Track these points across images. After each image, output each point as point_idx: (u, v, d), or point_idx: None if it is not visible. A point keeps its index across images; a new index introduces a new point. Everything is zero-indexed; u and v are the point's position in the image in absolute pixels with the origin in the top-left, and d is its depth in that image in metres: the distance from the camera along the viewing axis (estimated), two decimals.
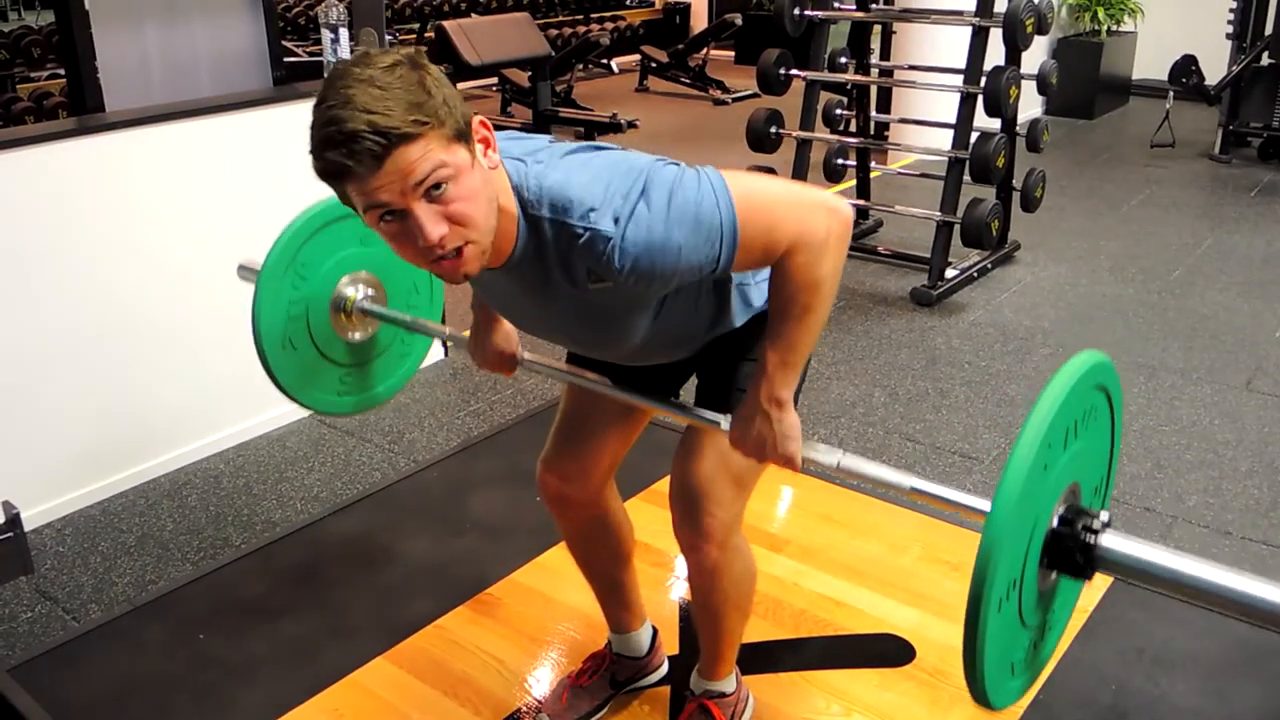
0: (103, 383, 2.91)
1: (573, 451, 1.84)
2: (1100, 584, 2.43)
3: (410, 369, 2.32)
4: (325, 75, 3.20)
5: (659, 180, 1.34)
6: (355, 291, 2.15)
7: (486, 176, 1.30)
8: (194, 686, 2.20)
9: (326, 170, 1.22)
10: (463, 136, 1.26)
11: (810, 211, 1.38)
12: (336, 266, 2.12)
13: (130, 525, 2.87)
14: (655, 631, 2.13)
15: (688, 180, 1.35)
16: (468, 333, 1.94)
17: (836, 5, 4.80)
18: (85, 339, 2.85)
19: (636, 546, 2.03)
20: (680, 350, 1.67)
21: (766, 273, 1.48)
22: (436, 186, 1.23)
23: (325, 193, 1.31)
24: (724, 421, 1.55)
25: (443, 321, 2.41)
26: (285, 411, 3.39)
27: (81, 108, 2.91)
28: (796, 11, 4.55)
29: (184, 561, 2.72)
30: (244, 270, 2.19)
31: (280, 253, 2.02)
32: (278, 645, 2.29)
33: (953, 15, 4.63)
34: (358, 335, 2.20)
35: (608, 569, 1.99)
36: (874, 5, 4.94)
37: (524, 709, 2.10)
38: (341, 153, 1.18)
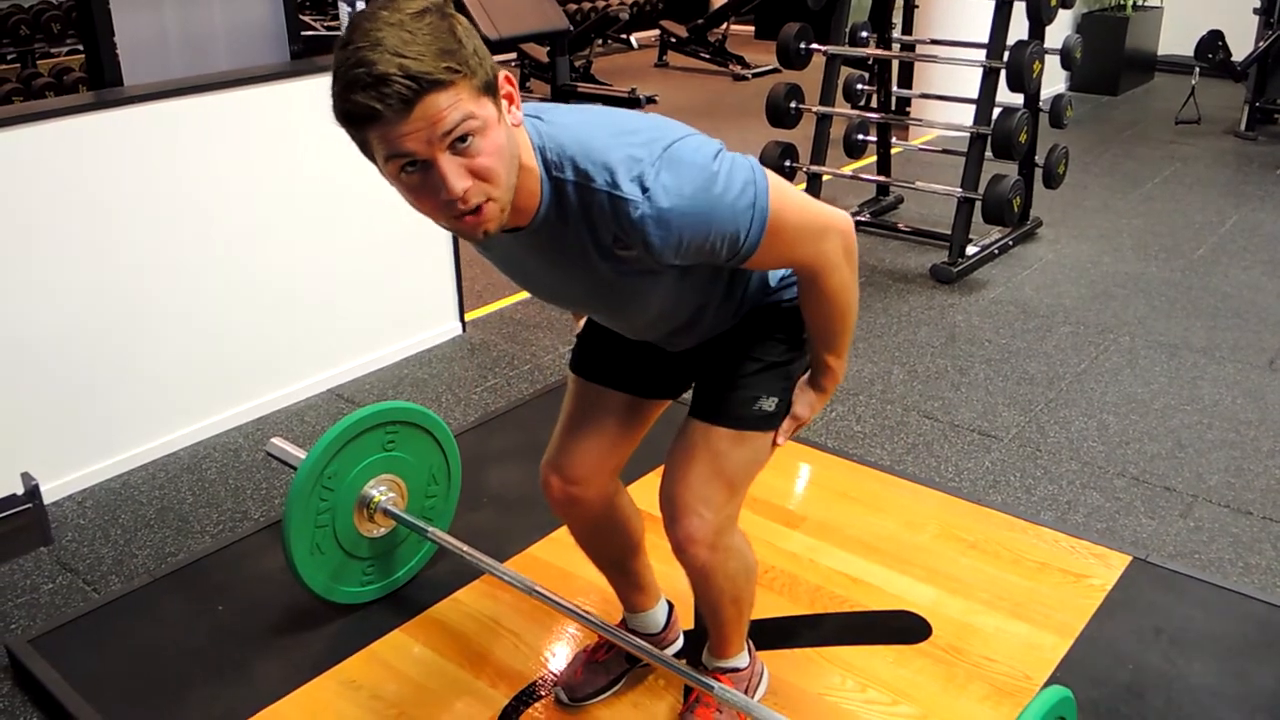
0: (120, 356, 2.93)
1: (577, 452, 1.81)
2: (1118, 563, 2.42)
3: (431, 549, 2.42)
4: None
5: (697, 151, 1.33)
6: (378, 493, 2.25)
7: (510, 133, 1.27)
8: (212, 657, 2.21)
9: (350, 114, 1.18)
10: (490, 90, 1.23)
11: (828, 229, 1.46)
12: (360, 474, 2.22)
13: (150, 498, 2.89)
14: (671, 607, 2.12)
15: (727, 159, 1.35)
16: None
17: None
18: (103, 312, 2.86)
19: (650, 520, 2.02)
20: (696, 328, 1.65)
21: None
22: (463, 139, 1.20)
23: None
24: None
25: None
26: (304, 385, 3.41)
27: (100, 82, 2.90)
28: None
29: (203, 534, 2.74)
30: (273, 448, 2.37)
31: (308, 472, 2.11)
32: (295, 617, 2.31)
33: None
34: (380, 531, 2.31)
35: (618, 559, 1.99)
36: None
37: (540, 682, 2.11)
38: (370, 95, 1.14)
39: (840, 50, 4.71)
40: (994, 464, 2.97)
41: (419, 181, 1.22)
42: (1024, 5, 4.09)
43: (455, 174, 1.20)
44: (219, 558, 2.56)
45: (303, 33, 3.36)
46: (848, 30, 4.85)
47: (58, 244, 2.73)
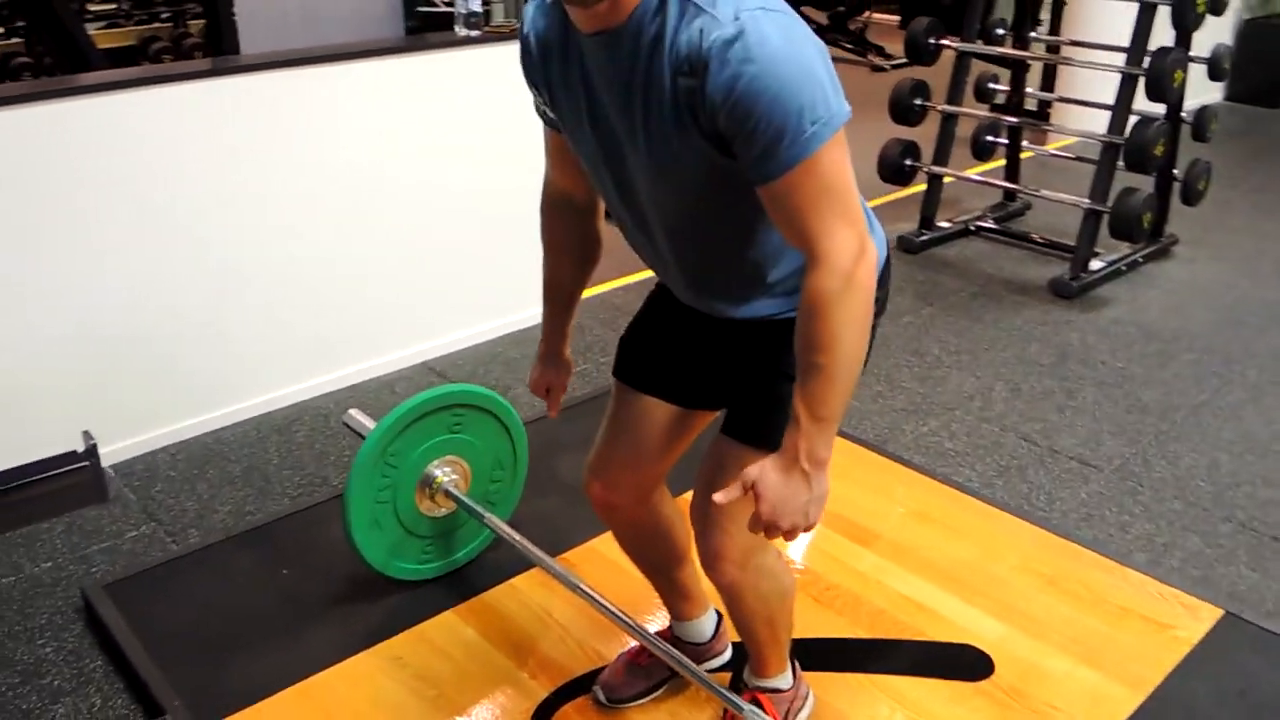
0: (229, 315, 3.02)
1: (616, 458, 1.78)
2: (1208, 616, 2.26)
3: (489, 534, 2.41)
4: (455, 26, 3.22)
5: (809, 45, 1.26)
6: (441, 474, 2.27)
7: None
8: (269, 620, 2.27)
9: None
10: None
11: (856, 222, 1.30)
12: (424, 454, 2.24)
13: (239, 455, 2.98)
14: (720, 617, 2.08)
15: (830, 79, 1.27)
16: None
17: None
18: (211, 273, 2.95)
19: None
20: (715, 276, 1.57)
21: None
22: None
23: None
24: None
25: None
26: (398, 356, 3.46)
27: (219, 50, 2.98)
28: None
29: (282, 496, 2.80)
30: (350, 419, 2.41)
31: (370, 449, 2.14)
32: (354, 588, 2.34)
33: None
34: (441, 511, 2.32)
35: (662, 566, 1.95)
36: None
37: (581, 679, 2.09)
38: None
39: (971, 47, 4.53)
40: (1090, 496, 2.82)
41: None
42: (1168, 10, 3.84)
43: None
44: (291, 521, 2.62)
45: (419, 8, 3.38)
46: (985, 25, 4.66)
47: (170, 207, 2.82)
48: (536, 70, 1.50)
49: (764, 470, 1.36)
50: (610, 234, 1.75)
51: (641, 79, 1.33)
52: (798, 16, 1.31)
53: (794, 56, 1.25)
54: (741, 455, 1.56)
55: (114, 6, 7.47)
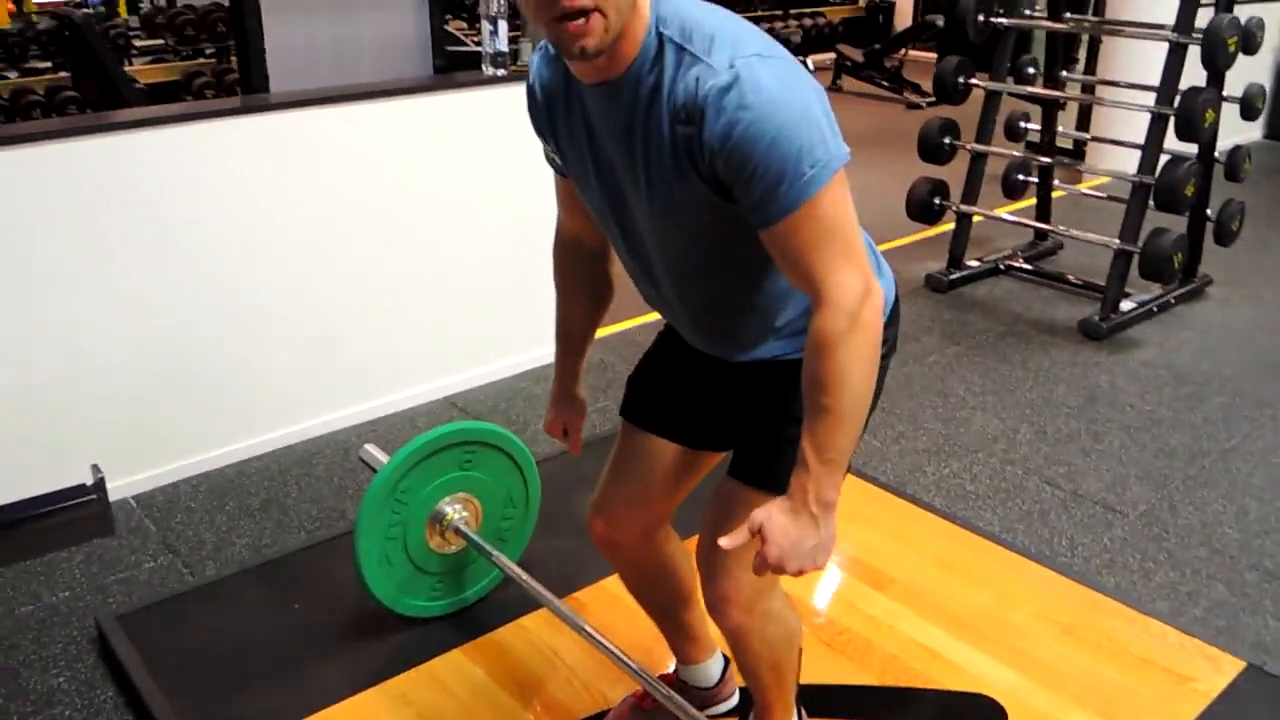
0: (254, 349, 3.06)
1: (620, 497, 1.78)
2: (1230, 668, 2.21)
3: (499, 573, 2.40)
4: (482, 66, 3.26)
5: (804, 86, 1.28)
6: (452, 511, 2.27)
7: None
8: (278, 654, 2.27)
9: None
10: None
11: (860, 264, 1.31)
12: (435, 491, 2.25)
13: (259, 488, 3.00)
14: (727, 662, 2.06)
15: (826, 120, 1.29)
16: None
17: (1027, 13, 4.54)
18: (238, 307, 2.99)
19: None
20: (721, 320, 1.56)
21: None
22: None
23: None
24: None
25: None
26: (421, 391, 3.48)
27: (249, 87, 3.04)
28: (981, 18, 4.33)
29: (299, 529, 2.82)
30: (365, 454, 2.43)
31: (380, 485, 2.16)
32: (363, 624, 2.35)
33: (1149, 29, 4.28)
34: (451, 548, 2.32)
35: (667, 608, 1.94)
36: (1069, 15, 4.65)
37: None
38: None
39: (1000, 86, 4.51)
40: (1113, 542, 2.77)
41: None
42: (1198, 50, 3.81)
43: None
44: (306, 555, 2.63)
45: (449, 47, 3.43)
46: (1016, 64, 4.65)
47: (196, 241, 2.87)
48: (543, 119, 1.52)
49: (771, 513, 1.34)
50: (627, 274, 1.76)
51: (641, 127, 1.35)
52: (795, 60, 1.32)
53: (790, 101, 1.26)
54: (748, 498, 1.55)
55: (160, 42, 7.68)
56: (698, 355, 1.67)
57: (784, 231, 1.29)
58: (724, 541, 1.37)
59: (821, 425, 1.32)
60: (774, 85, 1.25)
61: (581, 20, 1.23)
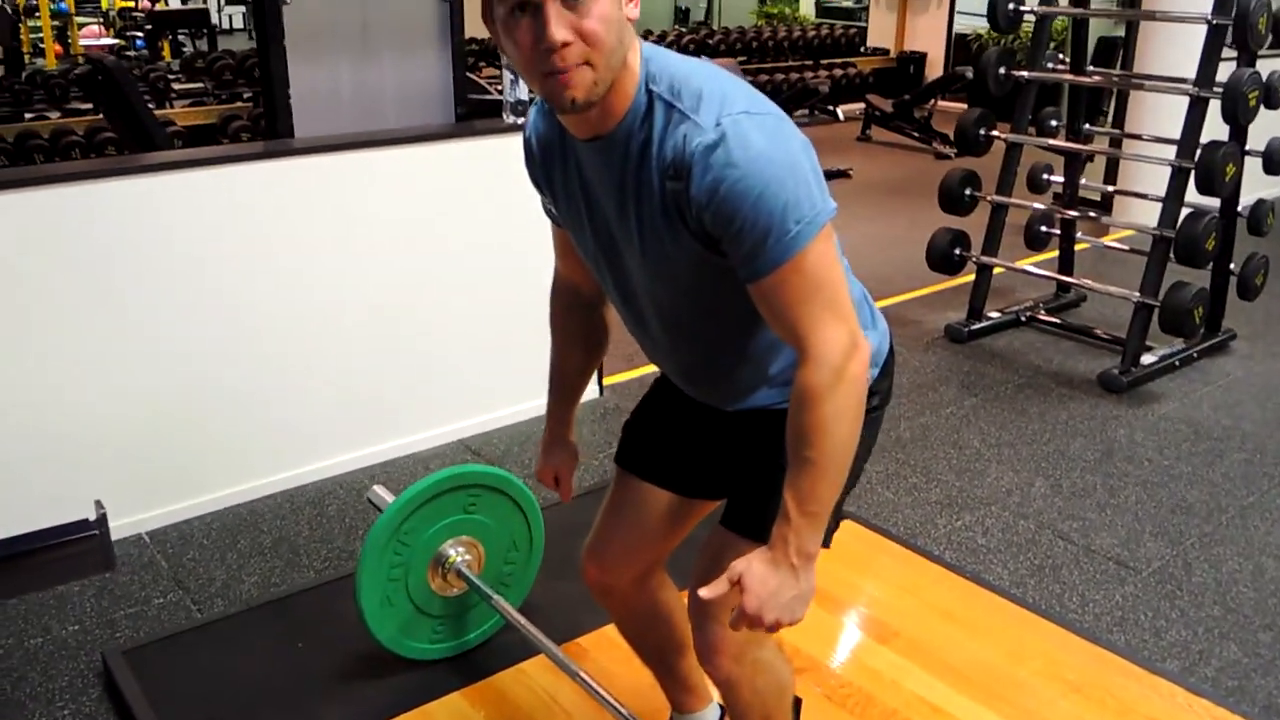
0: (269, 389, 3.10)
1: (613, 543, 1.79)
2: None
3: (501, 618, 2.40)
4: (504, 110, 3.31)
5: (793, 142, 1.30)
6: (454, 554, 2.28)
7: (623, 18, 1.28)
8: (279, 694, 2.29)
9: None
10: None
11: (846, 319, 1.32)
12: (438, 533, 2.26)
13: (271, 527, 3.03)
14: (723, 711, 2.04)
15: (813, 177, 1.30)
16: None
17: (1050, 66, 4.56)
18: (255, 349, 3.04)
19: None
20: (713, 369, 1.58)
21: None
22: None
23: None
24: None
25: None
26: (435, 434, 3.51)
27: (274, 133, 3.11)
28: (1002, 71, 4.35)
29: (308, 569, 2.84)
30: (373, 495, 2.43)
31: (383, 527, 2.17)
32: (365, 665, 2.35)
33: (1170, 83, 4.29)
34: (454, 591, 2.33)
35: (661, 655, 1.93)
36: (1092, 68, 4.66)
37: None
38: None
39: (1021, 138, 4.52)
40: (1125, 599, 2.73)
41: (525, 25, 1.24)
42: (1218, 104, 3.81)
43: (559, 22, 1.22)
44: (313, 594, 2.65)
45: (470, 95, 3.49)
46: (1039, 116, 4.66)
47: (214, 282, 2.93)
48: (539, 172, 1.55)
49: (750, 564, 1.35)
50: None
51: (633, 182, 1.37)
52: (784, 115, 1.34)
53: (777, 158, 1.28)
54: (738, 547, 1.55)
55: (199, 85, 7.87)
56: (692, 404, 1.69)
57: (770, 286, 1.31)
58: (703, 592, 1.38)
59: (804, 477, 1.33)
60: (761, 142, 1.27)
61: (569, 74, 1.25)
